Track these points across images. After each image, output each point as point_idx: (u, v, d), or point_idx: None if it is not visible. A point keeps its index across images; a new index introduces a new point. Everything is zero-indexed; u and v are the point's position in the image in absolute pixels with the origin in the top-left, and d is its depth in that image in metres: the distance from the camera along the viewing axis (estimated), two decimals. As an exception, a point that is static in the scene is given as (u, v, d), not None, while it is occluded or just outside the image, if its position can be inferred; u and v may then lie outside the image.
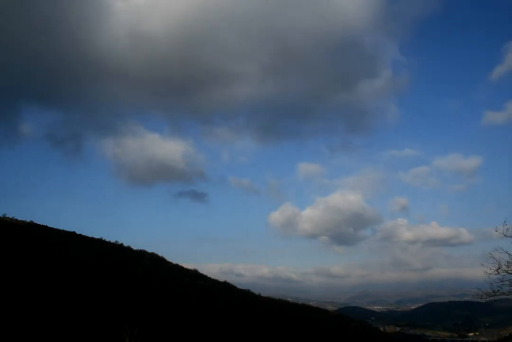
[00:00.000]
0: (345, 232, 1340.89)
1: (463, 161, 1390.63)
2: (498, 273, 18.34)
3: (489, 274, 18.36)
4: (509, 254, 18.36)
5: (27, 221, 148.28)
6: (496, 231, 18.36)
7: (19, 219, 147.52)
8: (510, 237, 18.33)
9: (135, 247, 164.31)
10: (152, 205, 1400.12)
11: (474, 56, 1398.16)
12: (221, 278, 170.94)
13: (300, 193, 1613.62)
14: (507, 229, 18.24)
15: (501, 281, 18.69)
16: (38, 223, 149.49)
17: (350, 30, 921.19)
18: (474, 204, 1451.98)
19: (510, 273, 18.39)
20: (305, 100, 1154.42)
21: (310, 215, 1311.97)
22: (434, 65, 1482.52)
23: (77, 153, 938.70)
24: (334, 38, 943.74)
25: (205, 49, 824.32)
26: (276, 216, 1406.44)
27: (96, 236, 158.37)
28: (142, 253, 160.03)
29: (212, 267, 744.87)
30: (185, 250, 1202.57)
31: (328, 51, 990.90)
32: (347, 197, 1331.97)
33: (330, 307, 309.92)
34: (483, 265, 18.42)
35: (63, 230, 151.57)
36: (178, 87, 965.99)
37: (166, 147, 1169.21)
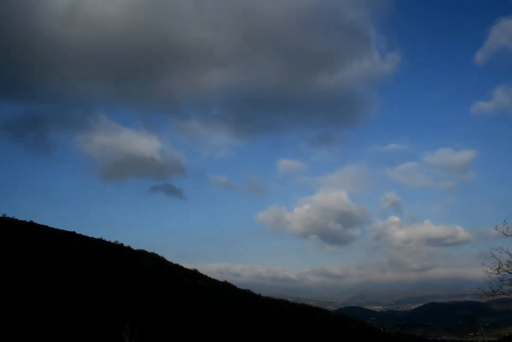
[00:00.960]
0: (336, 231, 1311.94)
1: (454, 156, 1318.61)
2: (499, 272, 18.34)
3: (490, 273, 18.36)
4: (510, 254, 18.35)
5: (27, 221, 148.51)
6: (496, 229, 18.36)
7: (19, 219, 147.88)
8: (510, 236, 18.32)
9: (134, 247, 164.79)
10: (135, 203, 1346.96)
11: (458, 42, 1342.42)
12: (217, 277, 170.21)
13: (285, 192, 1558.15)
14: (507, 228, 18.24)
15: (501, 281, 18.69)
16: (38, 222, 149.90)
17: (329, 5, 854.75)
18: (469, 201, 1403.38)
19: (511, 273, 18.38)
20: (282, 88, 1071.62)
21: (299, 214, 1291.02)
22: (417, 54, 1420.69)
23: (42, 147, 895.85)
24: (312, 13, 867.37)
25: (168, 24, 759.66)
26: (264, 216, 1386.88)
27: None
28: (142, 253, 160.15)
29: (209, 267, 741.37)
30: (176, 249, 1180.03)
31: (307, 29, 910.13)
32: (334, 196, 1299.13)
33: (330, 307, 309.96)
34: (484, 264, 18.43)
35: (63, 230, 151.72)
36: (142, 73, 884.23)
37: (140, 142, 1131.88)
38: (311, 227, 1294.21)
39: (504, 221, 18.27)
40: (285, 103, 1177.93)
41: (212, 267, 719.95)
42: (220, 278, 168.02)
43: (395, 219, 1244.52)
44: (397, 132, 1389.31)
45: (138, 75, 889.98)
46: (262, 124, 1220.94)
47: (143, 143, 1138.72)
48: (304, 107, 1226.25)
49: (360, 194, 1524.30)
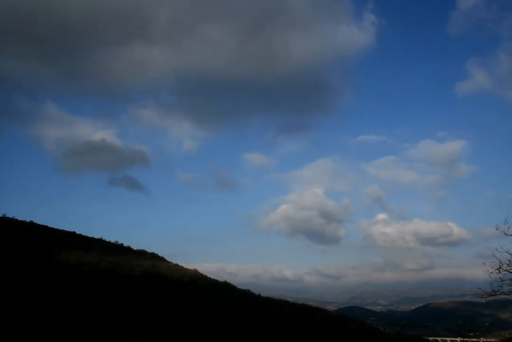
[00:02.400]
0: (321, 231, 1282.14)
1: (439, 148, 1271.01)
2: (499, 272, 18.31)
3: (490, 273, 18.34)
4: (510, 253, 18.32)
5: (27, 221, 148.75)
6: (496, 229, 18.31)
7: (19, 219, 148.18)
8: (511, 235, 18.28)
9: (134, 247, 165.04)
10: (98, 197, 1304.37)
11: (428, 14, 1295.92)
12: (214, 277, 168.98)
13: (261, 189, 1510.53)
14: (507, 228, 18.20)
15: (502, 281, 18.66)
16: (38, 223, 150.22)
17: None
18: (462, 196, 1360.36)
19: (511, 272, 18.35)
20: (239, 66, 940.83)
21: (281, 214, 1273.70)
22: (391, 32, 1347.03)
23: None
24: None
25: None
26: (249, 215, 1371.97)
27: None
28: (142, 253, 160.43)
29: (207, 267, 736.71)
30: (168, 249, 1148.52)
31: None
32: (311, 194, 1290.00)
33: (330, 307, 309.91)
34: (485, 263, 18.40)
35: (63, 230, 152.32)
36: (78, 50, 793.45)
37: (94, 132, 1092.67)
38: (295, 226, 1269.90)
39: (505, 220, 18.25)
40: (245, 87, 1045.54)
41: (209, 267, 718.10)
42: (217, 278, 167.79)
43: (383, 216, 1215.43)
44: (373, 122, 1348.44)
45: (73, 53, 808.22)
46: (223, 113, 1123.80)
47: (98, 134, 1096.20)
48: (267, 92, 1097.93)
49: (338, 190, 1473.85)
